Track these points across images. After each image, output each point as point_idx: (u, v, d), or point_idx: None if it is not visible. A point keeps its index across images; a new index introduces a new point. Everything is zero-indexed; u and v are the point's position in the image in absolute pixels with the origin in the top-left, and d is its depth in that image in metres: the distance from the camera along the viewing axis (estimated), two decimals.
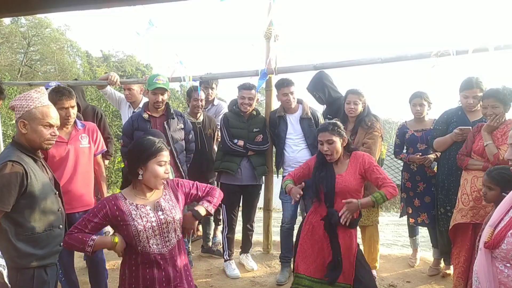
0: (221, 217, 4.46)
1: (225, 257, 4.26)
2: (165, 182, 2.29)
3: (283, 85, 4.04)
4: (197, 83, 4.41)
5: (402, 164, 4.28)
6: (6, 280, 1.93)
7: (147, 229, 2.15)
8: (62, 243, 2.29)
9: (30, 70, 25.55)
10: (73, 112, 3.16)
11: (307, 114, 4.09)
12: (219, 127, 4.44)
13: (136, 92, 4.69)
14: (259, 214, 4.78)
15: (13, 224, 2.15)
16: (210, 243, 4.74)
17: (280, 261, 4.21)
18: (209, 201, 2.38)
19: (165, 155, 2.23)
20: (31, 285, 2.19)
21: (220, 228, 4.73)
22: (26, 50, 26.04)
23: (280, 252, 4.25)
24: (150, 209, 2.20)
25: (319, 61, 4.18)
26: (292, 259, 4.16)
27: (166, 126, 3.76)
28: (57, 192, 2.37)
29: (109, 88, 4.82)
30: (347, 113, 3.90)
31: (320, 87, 4.25)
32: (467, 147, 3.47)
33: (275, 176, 4.63)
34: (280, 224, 4.22)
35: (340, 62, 4.15)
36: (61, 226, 2.34)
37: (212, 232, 4.79)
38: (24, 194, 2.15)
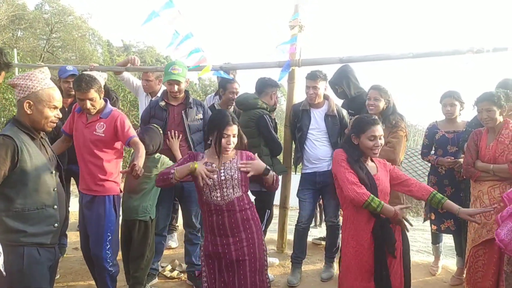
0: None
1: None
2: (228, 152, 2.69)
3: (309, 77, 3.84)
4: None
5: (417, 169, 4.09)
6: (1, 267, 1.84)
7: (209, 183, 2.61)
8: (57, 223, 2.26)
9: (52, 57, 25.72)
10: (91, 103, 3.07)
11: (332, 111, 3.89)
12: None
13: (154, 83, 4.56)
14: (274, 212, 4.59)
15: (3, 199, 2.13)
16: None
17: (291, 261, 4.04)
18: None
19: (230, 129, 2.64)
20: (21, 265, 2.11)
21: None
22: (48, 36, 26.22)
23: (292, 252, 4.08)
24: (215, 167, 2.65)
25: (345, 54, 4.00)
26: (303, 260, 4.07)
27: (183, 116, 3.62)
28: (54, 172, 2.30)
29: (126, 74, 4.70)
30: (367, 109, 3.73)
31: (346, 81, 4.10)
32: (472, 157, 3.31)
33: (292, 173, 4.47)
34: (296, 223, 4.05)
35: (368, 56, 3.96)
36: (55, 206, 2.27)
37: None
38: (15, 169, 2.11)
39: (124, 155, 3.39)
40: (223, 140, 2.63)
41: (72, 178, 4.14)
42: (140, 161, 2.87)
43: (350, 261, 2.69)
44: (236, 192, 2.66)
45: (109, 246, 3.15)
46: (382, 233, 2.61)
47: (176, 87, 3.57)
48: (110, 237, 3.16)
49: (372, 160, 2.81)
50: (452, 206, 2.62)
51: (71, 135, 3.33)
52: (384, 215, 2.58)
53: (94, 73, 3.33)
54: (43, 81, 2.24)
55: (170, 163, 3.40)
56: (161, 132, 3.49)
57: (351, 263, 2.69)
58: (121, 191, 3.30)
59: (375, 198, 2.54)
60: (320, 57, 4.16)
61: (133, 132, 3.16)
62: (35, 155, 2.19)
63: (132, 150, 3.22)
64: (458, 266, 3.99)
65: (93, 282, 3.44)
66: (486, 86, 4.51)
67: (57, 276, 3.77)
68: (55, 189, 2.28)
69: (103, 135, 3.12)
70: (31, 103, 2.20)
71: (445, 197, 2.65)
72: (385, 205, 2.55)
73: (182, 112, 3.64)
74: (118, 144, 3.22)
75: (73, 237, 4.71)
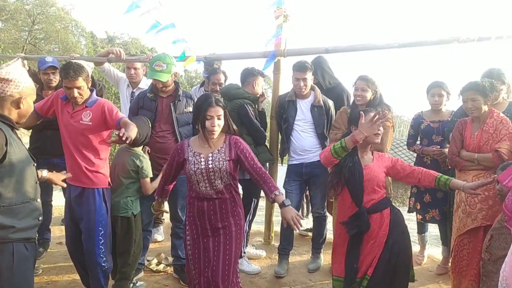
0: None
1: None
2: (214, 135, 2.61)
3: (297, 69, 3.79)
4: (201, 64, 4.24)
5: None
6: None
7: (197, 173, 2.62)
8: (41, 217, 2.21)
9: (34, 49, 25.18)
10: (79, 92, 2.97)
11: (318, 102, 3.85)
12: None
13: (141, 71, 4.47)
14: (261, 203, 4.57)
15: None
16: None
17: (278, 253, 4.03)
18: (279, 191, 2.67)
19: (213, 111, 2.56)
20: (11, 262, 2.03)
21: None
22: (30, 28, 25.63)
23: (279, 243, 4.06)
24: (203, 157, 2.63)
25: (331, 44, 3.97)
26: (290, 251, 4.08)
27: (172, 108, 3.56)
28: (35, 164, 2.23)
29: (107, 65, 4.60)
30: (355, 99, 3.71)
31: (320, 72, 4.10)
32: (457, 147, 3.32)
33: (279, 164, 4.45)
34: None
35: (353, 46, 3.93)
36: (38, 199, 2.21)
37: None
38: (4, 161, 2.03)
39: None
40: (207, 122, 2.57)
41: (54, 172, 4.04)
42: (131, 133, 2.77)
43: (337, 244, 2.92)
44: (224, 182, 2.68)
45: (102, 241, 3.07)
46: (356, 220, 2.74)
47: (160, 84, 3.51)
48: (102, 232, 3.08)
49: (372, 154, 2.88)
50: (457, 184, 2.70)
51: (40, 115, 3.16)
52: (351, 144, 2.62)
53: (81, 63, 3.24)
54: (28, 75, 2.21)
55: (149, 167, 3.34)
56: (150, 125, 3.42)
57: (337, 246, 2.90)
58: (109, 184, 3.20)
59: (337, 143, 2.68)
60: (306, 47, 4.12)
61: (121, 115, 3.09)
62: (19, 147, 2.12)
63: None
64: (443, 255, 4.02)
65: (77, 277, 3.39)
66: (470, 76, 4.53)
67: (40, 271, 3.71)
68: (37, 182, 2.22)
69: (90, 123, 3.02)
70: (24, 97, 2.15)
71: (449, 179, 2.69)
72: (346, 138, 2.66)
73: (171, 104, 3.56)
74: (105, 133, 3.12)
75: (57, 231, 4.63)
